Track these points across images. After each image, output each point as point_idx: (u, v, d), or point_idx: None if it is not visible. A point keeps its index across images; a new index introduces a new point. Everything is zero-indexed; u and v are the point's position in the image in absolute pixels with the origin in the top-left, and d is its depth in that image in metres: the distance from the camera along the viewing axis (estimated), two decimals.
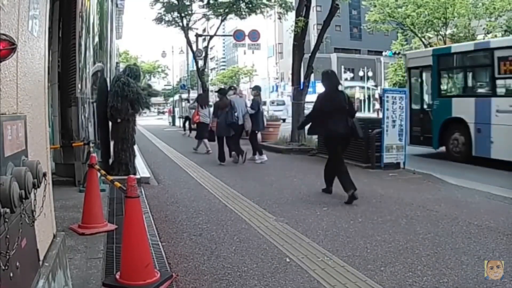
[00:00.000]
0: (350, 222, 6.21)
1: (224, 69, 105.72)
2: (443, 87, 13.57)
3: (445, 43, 36.32)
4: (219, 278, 4.26)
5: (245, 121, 12.52)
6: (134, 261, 3.85)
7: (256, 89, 14.05)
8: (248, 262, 4.67)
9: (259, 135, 14.31)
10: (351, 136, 7.93)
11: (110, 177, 5.23)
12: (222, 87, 15.21)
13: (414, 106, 14.02)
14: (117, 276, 3.92)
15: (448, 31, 36.06)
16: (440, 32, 36.15)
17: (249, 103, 13.20)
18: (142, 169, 10.18)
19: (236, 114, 12.30)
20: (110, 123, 9.34)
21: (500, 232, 5.61)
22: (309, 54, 16.50)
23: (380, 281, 4.13)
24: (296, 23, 16.02)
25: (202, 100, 16.23)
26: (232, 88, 14.11)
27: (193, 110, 16.88)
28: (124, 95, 8.91)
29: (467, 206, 7.02)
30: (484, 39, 34.59)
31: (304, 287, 4.05)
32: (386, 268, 4.45)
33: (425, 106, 13.88)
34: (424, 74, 14.04)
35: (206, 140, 15.11)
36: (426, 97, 13.99)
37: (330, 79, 8.19)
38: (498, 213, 6.52)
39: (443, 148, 12.92)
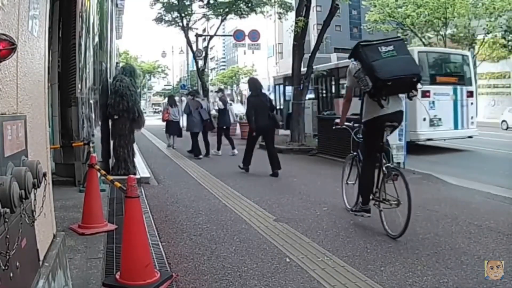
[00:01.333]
0: (350, 222, 6.21)
1: (224, 69, 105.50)
2: (286, 95, 22.86)
3: (445, 43, 36.29)
4: (219, 278, 4.26)
5: (212, 119, 15.20)
6: (134, 261, 3.85)
7: (220, 91, 17.07)
8: (248, 262, 4.67)
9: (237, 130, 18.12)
10: (274, 126, 10.89)
11: (110, 177, 5.23)
12: (195, 88, 17.28)
13: (277, 107, 22.36)
14: (117, 276, 3.91)
15: (448, 31, 36.02)
16: (440, 32, 36.10)
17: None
18: (142, 169, 10.18)
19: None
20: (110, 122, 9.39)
21: (500, 232, 5.61)
22: (309, 54, 16.50)
23: (380, 281, 4.13)
24: (296, 23, 16.02)
25: (171, 101, 18.10)
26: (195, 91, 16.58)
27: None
28: (115, 89, 9.07)
29: (467, 206, 7.02)
30: (484, 39, 34.72)
31: (304, 287, 4.06)
32: (386, 268, 4.45)
33: (281, 107, 23.49)
34: (280, 88, 24.64)
35: (173, 136, 17.31)
36: (281, 101, 24.10)
37: (256, 84, 11.04)
38: (498, 213, 6.51)
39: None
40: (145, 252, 3.94)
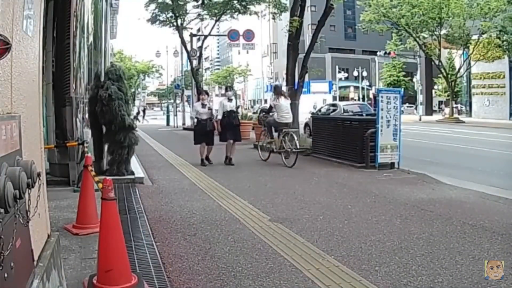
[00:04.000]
0: (344, 222, 6.21)
1: (218, 68, 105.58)
2: None
3: (439, 44, 36.46)
4: (214, 278, 4.25)
5: None
6: (107, 266, 3.67)
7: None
8: (242, 262, 4.67)
9: None
10: None
11: (97, 178, 5.24)
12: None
13: None
14: (94, 281, 3.74)
15: (443, 31, 36.20)
16: (435, 32, 36.26)
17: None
18: (136, 169, 10.14)
19: None
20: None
21: (494, 232, 5.63)
22: (304, 54, 16.50)
23: (374, 281, 4.14)
24: (290, 23, 16.00)
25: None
26: None
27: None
28: (101, 100, 8.77)
29: (462, 206, 7.04)
30: (478, 39, 34.87)
31: (299, 287, 4.05)
32: (380, 268, 4.46)
33: None
34: None
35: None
36: None
37: None
38: (492, 213, 6.54)
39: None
40: (119, 256, 3.74)
